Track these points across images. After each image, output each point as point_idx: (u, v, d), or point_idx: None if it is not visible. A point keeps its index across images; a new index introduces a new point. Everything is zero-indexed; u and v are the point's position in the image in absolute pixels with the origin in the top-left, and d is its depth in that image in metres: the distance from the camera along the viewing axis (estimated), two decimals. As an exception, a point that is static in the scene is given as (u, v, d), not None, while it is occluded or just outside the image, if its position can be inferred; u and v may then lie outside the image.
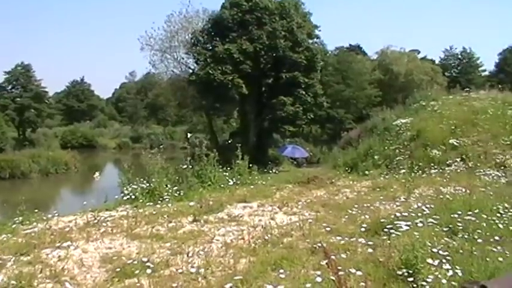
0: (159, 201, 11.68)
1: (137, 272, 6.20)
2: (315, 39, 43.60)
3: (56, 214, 10.53)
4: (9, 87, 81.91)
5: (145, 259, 6.64)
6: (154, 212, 10.34)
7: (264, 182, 15.85)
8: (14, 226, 9.40)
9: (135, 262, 6.57)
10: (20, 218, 9.87)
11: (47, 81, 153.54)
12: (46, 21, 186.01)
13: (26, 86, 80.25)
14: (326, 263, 5.15)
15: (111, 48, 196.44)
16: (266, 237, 7.88)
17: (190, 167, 14.28)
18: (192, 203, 11.19)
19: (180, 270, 6.31)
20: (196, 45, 40.21)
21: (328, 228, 8.14)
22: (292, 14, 38.66)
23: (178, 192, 12.69)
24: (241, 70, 36.28)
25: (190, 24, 45.05)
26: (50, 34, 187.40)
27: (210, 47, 38.64)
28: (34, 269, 6.49)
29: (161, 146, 15.91)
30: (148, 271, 6.10)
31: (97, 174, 27.46)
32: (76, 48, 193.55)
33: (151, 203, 11.57)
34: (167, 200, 11.82)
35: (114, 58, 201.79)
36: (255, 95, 39.65)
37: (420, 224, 7.13)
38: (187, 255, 7.13)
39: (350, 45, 74.67)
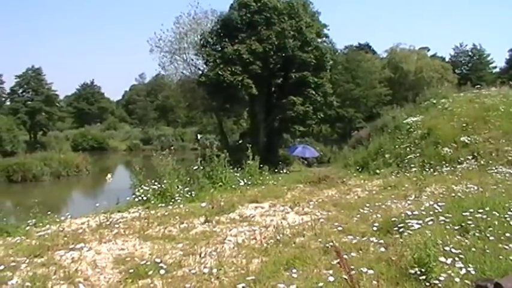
0: (171, 203, 11.74)
1: (150, 272, 6.26)
2: (324, 39, 43.56)
3: (69, 216, 10.60)
4: (21, 90, 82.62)
5: (158, 260, 6.69)
6: (166, 213, 10.40)
7: (275, 182, 15.86)
8: (27, 228, 9.45)
9: (148, 263, 6.61)
10: (33, 221, 9.92)
11: (58, 85, 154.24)
12: (55, 25, 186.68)
13: (37, 89, 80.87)
14: (338, 263, 5.15)
15: (121, 51, 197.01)
16: (278, 237, 7.89)
17: (201, 168, 14.32)
18: (203, 204, 11.22)
19: (193, 271, 6.35)
20: (205, 46, 40.30)
21: (340, 228, 8.14)
22: (301, 13, 38.63)
23: (189, 193, 12.74)
24: (250, 71, 36.30)
25: (199, 25, 45.14)
26: (60, 37, 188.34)
27: (219, 48, 38.72)
28: (48, 271, 6.54)
29: (172, 148, 15.90)
30: (162, 272, 6.15)
31: (109, 176, 27.60)
32: (86, 51, 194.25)
33: (163, 204, 11.61)
34: (179, 201, 11.86)
35: (124, 60, 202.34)
36: (265, 95, 39.70)
37: (432, 222, 7.11)
38: (200, 256, 7.16)
39: (359, 43, 74.45)
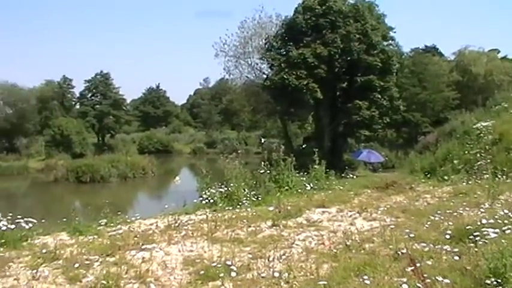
0: (238, 206, 11.80)
1: (222, 275, 6.29)
2: (390, 41, 42.86)
3: (138, 217, 10.84)
4: (90, 95, 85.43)
5: (229, 262, 6.73)
6: (233, 216, 10.47)
7: (341, 187, 15.68)
8: (98, 228, 9.74)
9: (218, 265, 6.65)
10: (104, 221, 10.21)
11: (125, 89, 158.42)
12: (123, 31, 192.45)
13: (105, 93, 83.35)
14: (412, 270, 5.05)
15: (186, 56, 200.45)
16: (347, 243, 7.79)
17: (268, 171, 14.34)
18: (271, 208, 11.24)
19: (262, 274, 6.36)
20: (270, 50, 40.44)
21: (411, 235, 7.96)
22: (366, 16, 38.19)
23: (256, 196, 12.78)
24: (315, 74, 36.14)
25: (263, 29, 45.43)
26: (127, 43, 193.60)
27: (284, 52, 38.75)
28: (120, 270, 6.67)
29: (239, 151, 16.00)
30: (233, 274, 6.19)
31: (177, 178, 28.02)
32: (152, 56, 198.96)
33: (230, 207, 11.71)
34: (246, 204, 11.92)
35: (188, 65, 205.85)
36: (330, 100, 39.42)
37: (508, 231, 6.85)
38: (268, 260, 7.14)
39: (425, 46, 72.66)
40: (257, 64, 46.42)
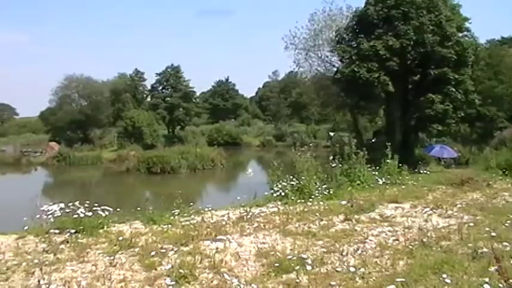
0: (310, 199, 11.73)
1: (297, 267, 6.27)
2: (465, 33, 41.32)
3: (210, 208, 10.96)
4: (160, 87, 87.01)
5: (304, 256, 6.70)
6: (305, 210, 10.43)
7: (414, 183, 15.38)
8: (171, 218, 9.92)
9: (294, 258, 6.63)
10: (177, 211, 10.39)
11: (194, 82, 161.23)
12: (193, 26, 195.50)
13: (175, 86, 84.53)
14: (496, 270, 4.86)
15: (254, 49, 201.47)
16: (424, 240, 7.61)
17: (339, 165, 14.20)
18: (343, 202, 11.12)
19: (338, 269, 6.30)
20: (340, 43, 39.86)
21: (493, 234, 7.67)
22: (440, 6, 36.97)
23: (327, 190, 12.68)
24: (387, 67, 35.35)
25: (333, 22, 44.85)
26: (197, 37, 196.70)
27: (355, 45, 38.07)
28: (194, 259, 6.74)
29: (310, 144, 15.91)
30: (308, 268, 6.16)
31: (250, 170, 28.22)
32: (221, 49, 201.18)
33: (302, 201, 11.65)
34: (319, 197, 11.84)
35: (257, 58, 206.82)
36: (401, 93, 38.48)
37: None
38: (341, 254, 7.09)
39: (502, 37, 69.86)
40: (327, 57, 45.92)
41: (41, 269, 6.21)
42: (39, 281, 5.90)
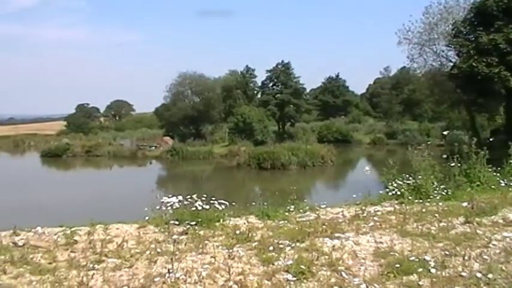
0: (428, 200, 11.33)
1: (420, 270, 6.08)
2: None
3: (325, 205, 10.88)
4: (271, 84, 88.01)
5: (427, 257, 6.52)
6: (423, 210, 10.08)
7: (542, 185, 14.39)
8: (286, 214, 9.96)
9: (414, 259, 6.46)
10: (292, 206, 10.44)
11: (304, 78, 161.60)
12: (305, 26, 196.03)
13: (286, 82, 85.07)
14: None
15: (365, 45, 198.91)
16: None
17: (458, 165, 13.58)
18: (464, 204, 10.63)
19: (462, 273, 6.04)
20: (457, 36, 38.24)
21: None
22: None
23: (445, 190, 12.18)
24: (508, 62, 33.51)
25: (450, 14, 43.26)
26: (310, 36, 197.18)
27: (473, 38, 36.37)
28: (311, 256, 6.74)
29: (428, 143, 15.40)
30: (433, 271, 5.95)
31: (367, 168, 27.91)
32: (331, 46, 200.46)
33: (420, 200, 11.29)
34: (437, 198, 11.41)
35: (368, 54, 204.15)
36: (524, 89, 36.42)
37: None
38: (463, 258, 6.77)
39: None
40: (443, 51, 44.34)
41: (171, 259, 6.40)
42: (168, 269, 6.11)
